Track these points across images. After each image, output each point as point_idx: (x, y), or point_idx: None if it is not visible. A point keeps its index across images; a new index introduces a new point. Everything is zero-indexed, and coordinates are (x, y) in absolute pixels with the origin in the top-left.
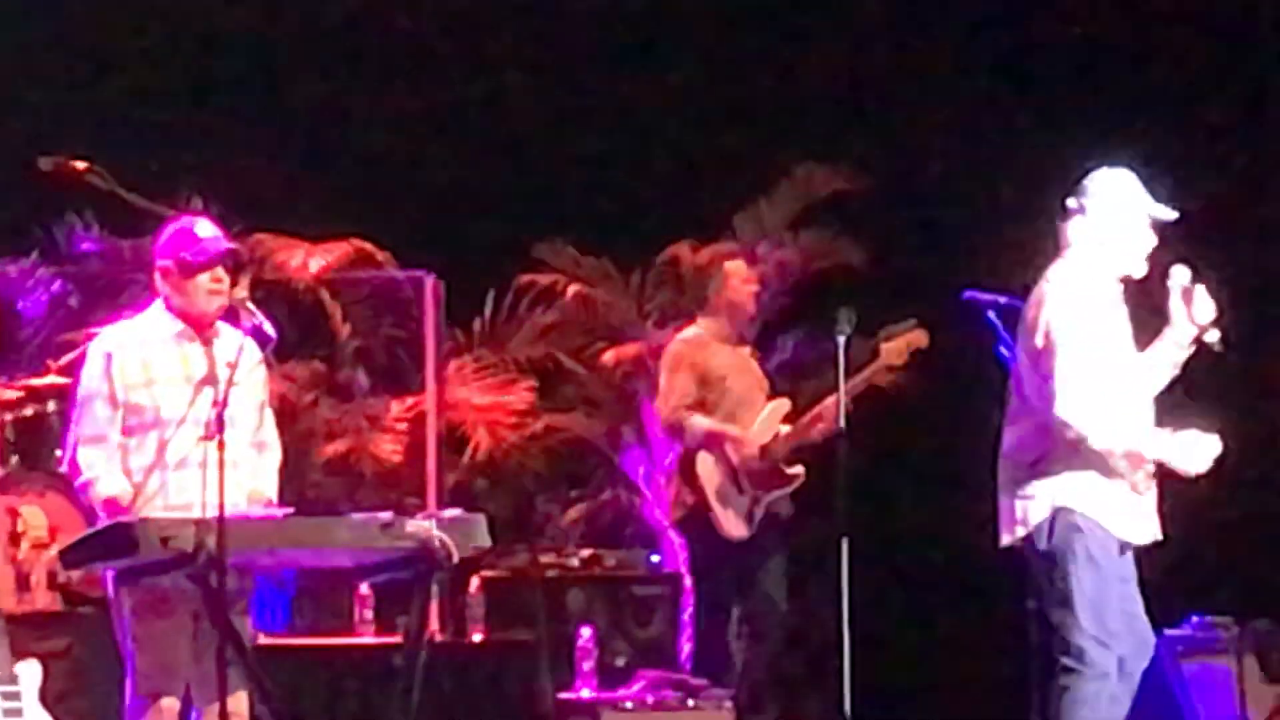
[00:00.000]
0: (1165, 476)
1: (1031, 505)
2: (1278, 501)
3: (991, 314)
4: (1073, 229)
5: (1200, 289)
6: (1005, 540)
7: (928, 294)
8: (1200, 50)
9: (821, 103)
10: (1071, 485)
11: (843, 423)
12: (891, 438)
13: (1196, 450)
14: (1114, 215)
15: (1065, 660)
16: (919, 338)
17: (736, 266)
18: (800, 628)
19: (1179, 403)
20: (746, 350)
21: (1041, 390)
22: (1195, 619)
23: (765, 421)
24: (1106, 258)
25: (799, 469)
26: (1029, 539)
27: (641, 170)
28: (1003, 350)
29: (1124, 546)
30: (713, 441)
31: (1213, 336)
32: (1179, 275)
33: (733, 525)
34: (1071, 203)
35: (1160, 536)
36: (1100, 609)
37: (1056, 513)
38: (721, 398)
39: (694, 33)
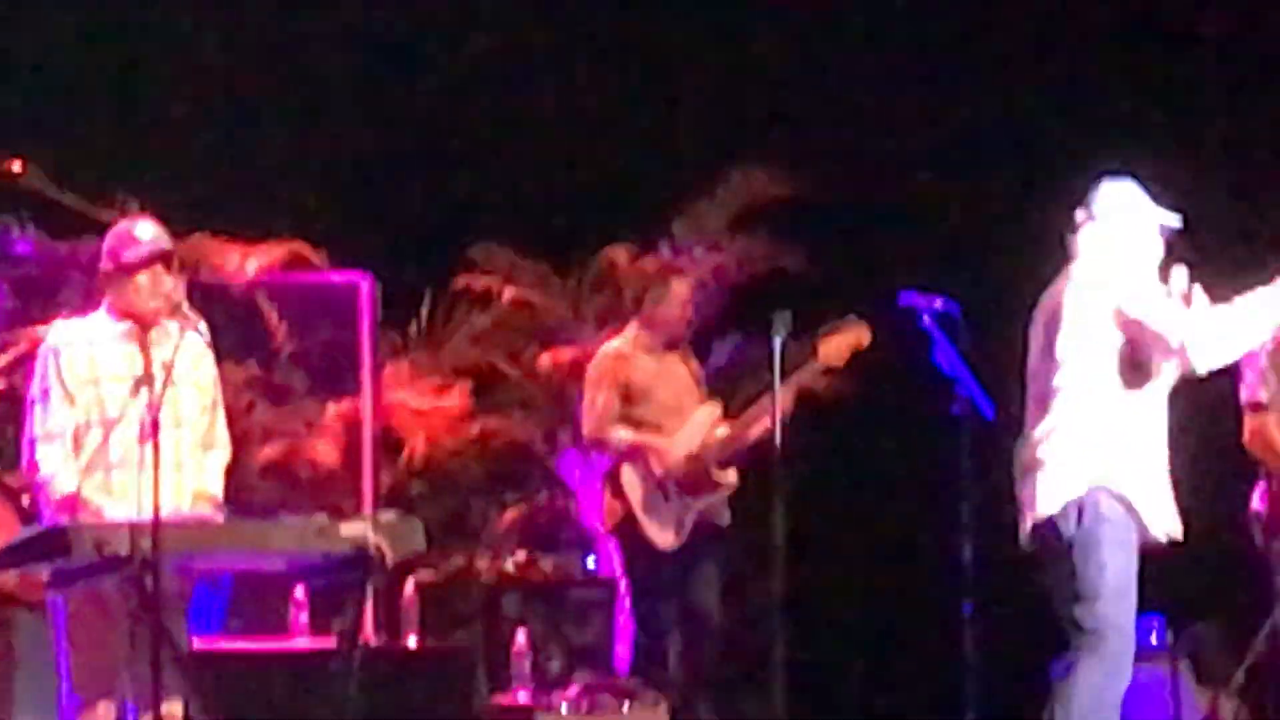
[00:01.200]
0: None
1: (1060, 487)
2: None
3: (928, 317)
4: (1083, 239)
5: (1198, 289)
6: (1028, 525)
7: (865, 298)
8: (1136, 59)
9: (760, 107)
10: (1105, 468)
11: (779, 426)
12: (828, 440)
13: None
14: (1123, 224)
15: (1082, 642)
16: (861, 336)
17: (683, 288)
18: (737, 632)
19: None
20: (676, 355)
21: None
22: None
23: (692, 428)
24: (1116, 266)
25: (731, 474)
26: (1053, 522)
27: (579, 173)
28: (938, 354)
29: (1145, 538)
30: (634, 453)
31: None
32: (1177, 277)
33: (660, 535)
34: (1080, 214)
35: (1180, 535)
36: (1122, 595)
37: (1089, 494)
38: (647, 409)
39: (633, 35)
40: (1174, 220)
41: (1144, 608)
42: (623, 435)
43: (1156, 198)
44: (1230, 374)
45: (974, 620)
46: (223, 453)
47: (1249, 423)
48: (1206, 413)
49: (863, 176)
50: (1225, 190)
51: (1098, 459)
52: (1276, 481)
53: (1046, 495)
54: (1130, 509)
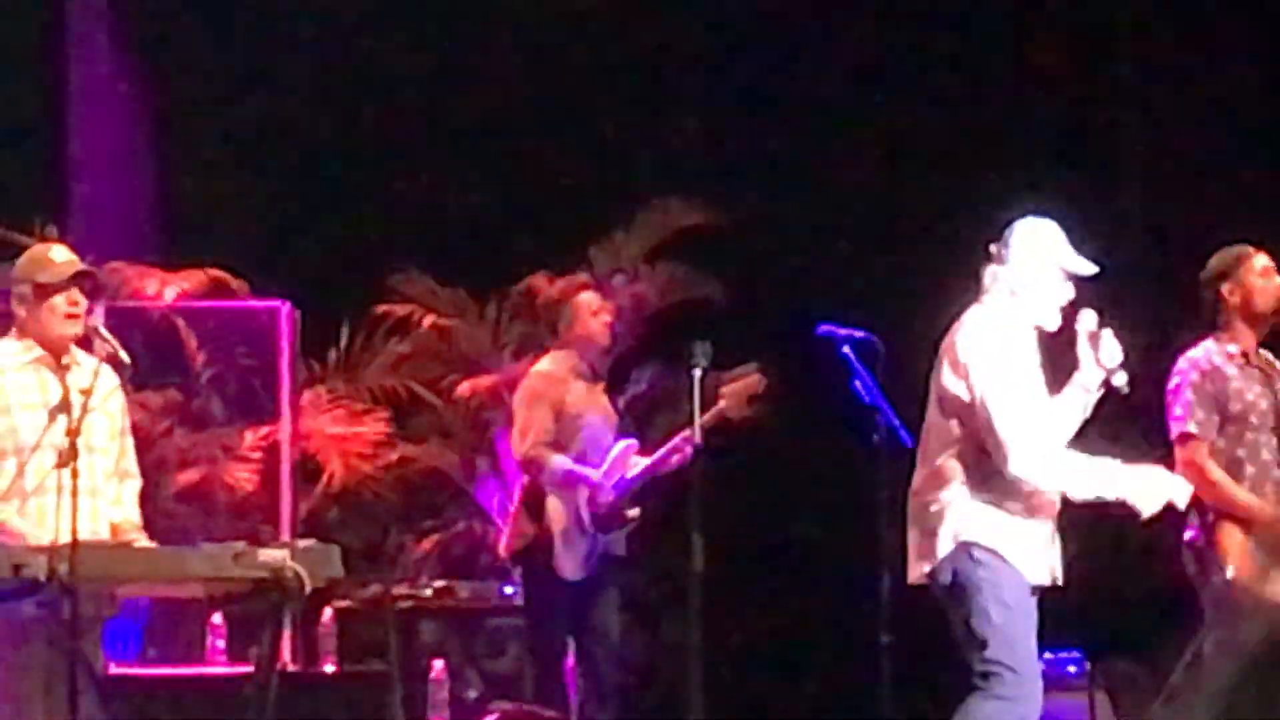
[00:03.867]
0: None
1: (938, 541)
2: (1131, 539)
3: (846, 348)
4: (989, 275)
5: (1107, 333)
6: (913, 577)
7: (783, 327)
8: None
9: (678, 136)
10: (977, 521)
11: (696, 456)
12: (745, 470)
13: (1158, 487)
14: (1030, 266)
15: (976, 682)
16: (755, 384)
17: (588, 298)
18: (648, 663)
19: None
20: (600, 386)
21: (962, 433)
22: (1048, 655)
23: (615, 460)
24: (1019, 308)
25: (635, 510)
26: (934, 574)
27: (498, 201)
28: (857, 384)
29: (1030, 585)
30: (568, 483)
31: (1120, 379)
32: (1086, 319)
33: (571, 567)
34: (993, 249)
35: (1061, 580)
36: (1010, 639)
37: (961, 548)
38: (575, 435)
39: (553, 63)
40: (1087, 268)
41: (1065, 642)
42: (562, 462)
43: (1076, 242)
44: (1160, 408)
45: (891, 650)
46: (137, 482)
47: (1180, 454)
48: (1135, 445)
49: (780, 206)
50: (1142, 238)
51: (967, 513)
52: (1210, 512)
53: (924, 550)
54: (1003, 560)
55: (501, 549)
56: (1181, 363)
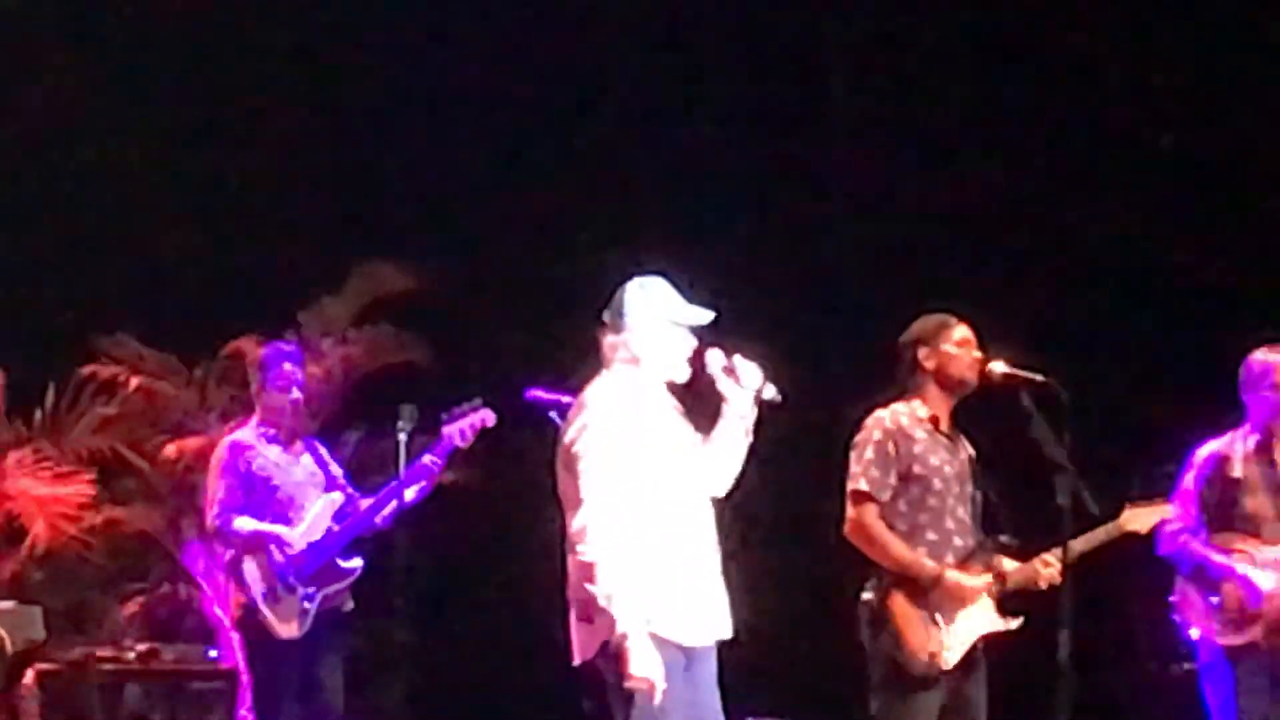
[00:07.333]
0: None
1: (591, 626)
2: (830, 598)
3: (554, 414)
4: (608, 345)
5: (738, 359)
6: (575, 660)
7: (490, 392)
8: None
9: (387, 201)
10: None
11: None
12: (454, 533)
13: None
14: (645, 328)
15: None
16: (485, 418)
17: (289, 368)
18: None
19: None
20: (298, 446)
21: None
22: None
23: (316, 517)
24: (644, 372)
25: (357, 561)
26: (593, 660)
27: (207, 264)
28: None
29: (687, 650)
30: (257, 543)
31: (770, 392)
32: (714, 359)
33: (283, 626)
34: (606, 317)
35: (729, 634)
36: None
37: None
38: (269, 498)
39: (260, 128)
40: (703, 317)
41: (760, 704)
42: (245, 524)
43: (689, 292)
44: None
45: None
46: None
47: (849, 512)
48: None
49: (486, 269)
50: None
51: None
52: (887, 574)
53: (584, 632)
54: (652, 631)
55: (227, 616)
56: (868, 420)
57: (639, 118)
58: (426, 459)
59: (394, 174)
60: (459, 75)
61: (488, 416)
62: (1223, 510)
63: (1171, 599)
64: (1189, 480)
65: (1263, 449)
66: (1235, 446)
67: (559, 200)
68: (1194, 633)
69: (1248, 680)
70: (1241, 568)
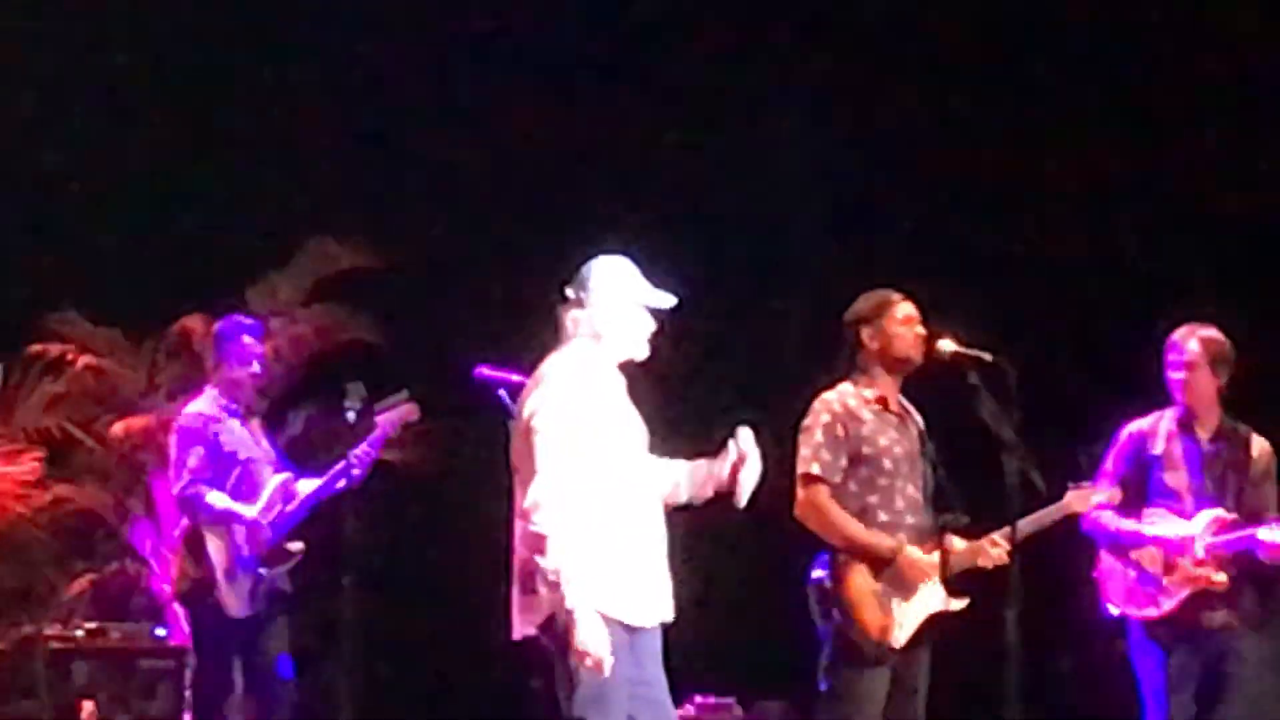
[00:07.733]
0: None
1: (535, 599)
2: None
3: (502, 392)
4: (570, 319)
5: (754, 454)
6: (516, 635)
7: (439, 370)
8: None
9: (335, 177)
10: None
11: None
12: (400, 511)
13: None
14: (609, 305)
15: None
16: (410, 411)
17: (250, 342)
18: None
19: None
20: (255, 423)
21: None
22: (698, 698)
23: (270, 496)
24: (604, 348)
25: (299, 544)
26: (537, 635)
27: (155, 242)
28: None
29: (631, 629)
30: (224, 520)
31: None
32: (744, 438)
33: (236, 604)
34: (569, 291)
35: (671, 617)
36: (600, 699)
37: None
38: (231, 471)
39: (208, 103)
40: (666, 301)
41: (712, 683)
42: (214, 499)
43: (655, 275)
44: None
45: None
46: None
47: (801, 494)
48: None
49: (438, 246)
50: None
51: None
52: (840, 554)
53: (526, 604)
54: (599, 610)
55: (170, 591)
56: (816, 404)
57: (595, 97)
58: (361, 449)
59: (343, 150)
60: (407, 49)
61: (412, 410)
62: (1144, 487)
63: (1094, 575)
64: (1109, 459)
65: (1184, 425)
66: (1160, 424)
67: (511, 177)
68: (1113, 609)
69: (1168, 653)
70: (1150, 531)
